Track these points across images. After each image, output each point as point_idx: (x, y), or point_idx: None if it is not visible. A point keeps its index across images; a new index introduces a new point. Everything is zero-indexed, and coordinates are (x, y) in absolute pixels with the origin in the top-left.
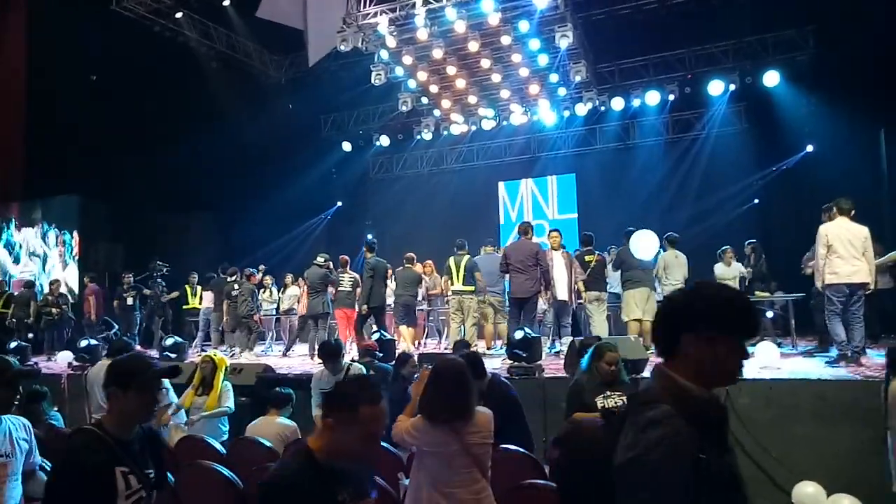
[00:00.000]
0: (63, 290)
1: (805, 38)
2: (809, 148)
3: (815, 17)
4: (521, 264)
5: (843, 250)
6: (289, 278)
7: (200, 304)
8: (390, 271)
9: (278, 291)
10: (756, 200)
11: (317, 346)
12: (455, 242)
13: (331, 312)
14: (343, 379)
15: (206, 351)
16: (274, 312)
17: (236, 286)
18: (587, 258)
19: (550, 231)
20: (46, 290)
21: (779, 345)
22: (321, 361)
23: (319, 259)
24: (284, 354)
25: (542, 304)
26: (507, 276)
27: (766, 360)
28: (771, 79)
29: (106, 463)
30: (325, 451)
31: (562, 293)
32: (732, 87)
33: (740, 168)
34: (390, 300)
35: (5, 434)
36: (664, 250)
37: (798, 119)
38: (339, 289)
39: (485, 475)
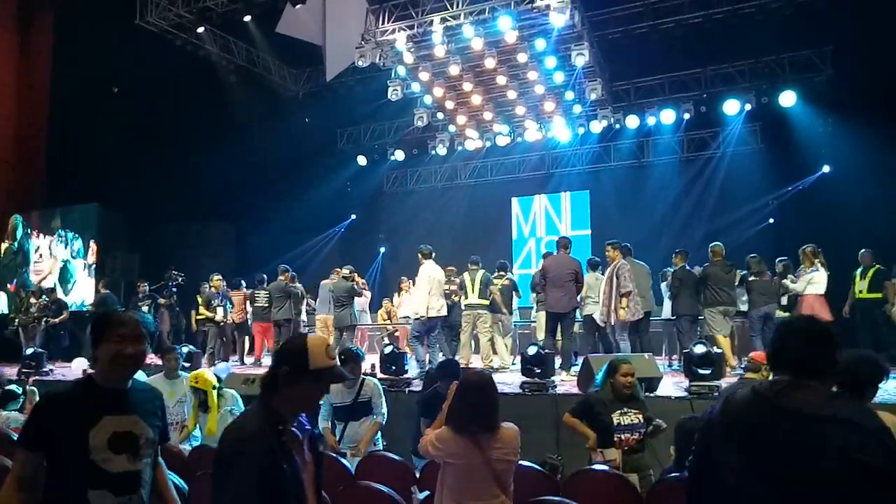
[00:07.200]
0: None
1: (822, 59)
2: (826, 169)
3: (832, 38)
4: (559, 279)
5: None
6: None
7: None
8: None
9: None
10: (771, 220)
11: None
12: (469, 259)
13: (357, 324)
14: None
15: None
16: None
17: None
18: (496, 280)
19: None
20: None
21: None
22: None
23: (345, 271)
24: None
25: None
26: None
27: None
28: (787, 99)
29: None
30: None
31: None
32: (748, 106)
33: (755, 188)
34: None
35: None
36: (585, 273)
37: (814, 140)
38: (255, 304)
39: (505, 491)
